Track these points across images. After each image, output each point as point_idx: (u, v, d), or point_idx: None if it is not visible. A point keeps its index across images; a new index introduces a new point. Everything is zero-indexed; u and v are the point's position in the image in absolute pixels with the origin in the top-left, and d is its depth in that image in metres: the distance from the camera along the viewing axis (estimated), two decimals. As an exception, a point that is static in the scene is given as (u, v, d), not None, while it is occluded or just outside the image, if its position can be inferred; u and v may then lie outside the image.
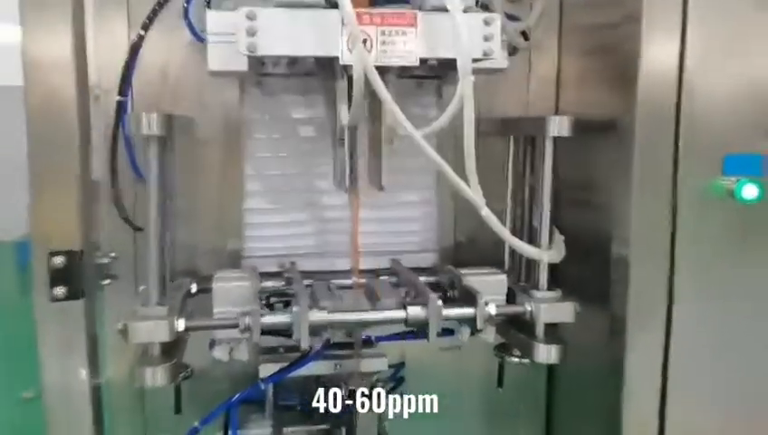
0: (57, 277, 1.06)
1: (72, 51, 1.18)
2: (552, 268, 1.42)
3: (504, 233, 1.27)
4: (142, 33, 1.48)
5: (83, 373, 1.14)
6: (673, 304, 1.32)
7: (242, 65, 1.22)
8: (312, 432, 1.57)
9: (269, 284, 1.47)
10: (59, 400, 1.17)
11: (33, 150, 1.13)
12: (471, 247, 1.67)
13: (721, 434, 1.39)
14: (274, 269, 1.57)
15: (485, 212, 1.22)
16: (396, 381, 1.71)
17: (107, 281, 1.50)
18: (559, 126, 1.35)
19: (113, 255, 1.53)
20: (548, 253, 1.36)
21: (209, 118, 1.55)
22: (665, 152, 1.30)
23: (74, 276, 1.07)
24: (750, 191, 1.27)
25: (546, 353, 1.37)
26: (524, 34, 1.56)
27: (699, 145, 1.30)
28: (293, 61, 1.33)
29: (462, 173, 1.20)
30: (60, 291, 1.07)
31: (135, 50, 1.47)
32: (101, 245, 1.47)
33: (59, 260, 1.06)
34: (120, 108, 1.44)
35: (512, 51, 1.54)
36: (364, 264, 1.53)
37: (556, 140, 1.38)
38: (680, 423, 1.36)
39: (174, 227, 1.41)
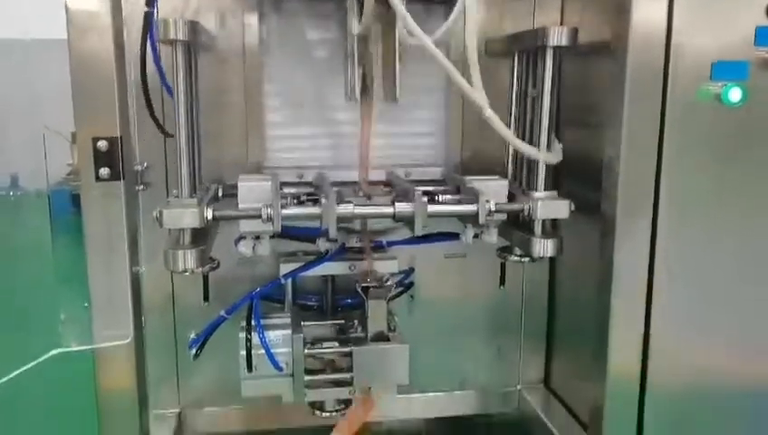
0: (101, 159, 1.20)
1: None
2: (553, 185, 1.54)
3: (506, 133, 1.37)
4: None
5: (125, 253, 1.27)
6: (659, 205, 1.42)
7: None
8: (327, 326, 1.72)
9: (289, 190, 1.61)
10: (104, 284, 1.30)
11: (73, 42, 1.25)
12: (476, 163, 1.79)
13: (703, 324, 1.49)
14: (293, 180, 1.72)
15: (488, 113, 1.32)
16: (405, 285, 1.84)
17: (141, 187, 1.65)
18: (560, 35, 1.44)
19: (146, 165, 1.67)
20: (546, 154, 1.47)
21: (230, 38, 1.67)
22: (656, 68, 1.39)
23: (115, 159, 1.21)
24: (735, 95, 1.37)
25: (542, 247, 1.49)
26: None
27: (688, 56, 1.39)
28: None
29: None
30: (104, 171, 1.20)
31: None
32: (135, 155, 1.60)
33: (102, 144, 1.19)
34: (148, 19, 1.55)
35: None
36: (374, 176, 1.66)
37: (557, 54, 1.48)
38: (664, 317, 1.46)
39: (200, 138, 1.54)
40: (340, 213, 1.38)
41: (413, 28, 1.26)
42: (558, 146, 1.51)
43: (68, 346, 1.25)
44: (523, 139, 1.63)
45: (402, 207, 1.40)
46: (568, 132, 1.66)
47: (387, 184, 1.69)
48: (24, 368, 1.20)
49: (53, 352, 1.22)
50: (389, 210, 1.41)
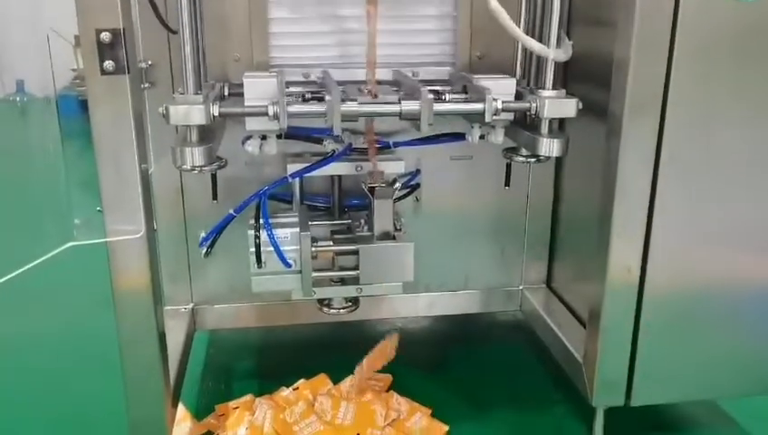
0: (105, 52, 1.19)
1: None
2: (561, 85, 1.52)
3: (513, 28, 1.35)
4: None
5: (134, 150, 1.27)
6: (667, 105, 1.40)
7: None
8: (334, 225, 1.75)
9: (295, 89, 1.60)
10: (113, 179, 1.30)
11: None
12: (486, 62, 1.77)
13: (705, 226, 1.50)
14: (299, 79, 1.71)
15: (494, 5, 1.30)
16: (411, 187, 1.85)
17: (146, 85, 1.64)
18: None
19: (150, 63, 1.66)
20: (554, 50, 1.45)
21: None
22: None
23: (119, 52, 1.19)
24: (750, -10, 1.33)
25: (548, 146, 1.49)
26: None
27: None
28: None
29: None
30: (109, 64, 1.19)
31: None
32: (139, 53, 1.59)
33: (106, 36, 1.18)
34: None
35: None
36: (381, 76, 1.64)
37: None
38: (666, 219, 1.47)
39: (204, 35, 1.52)
40: (345, 111, 1.37)
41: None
42: (568, 42, 1.48)
43: (81, 240, 1.28)
44: (533, 36, 1.61)
45: (408, 105, 1.40)
46: (576, 30, 1.63)
47: (394, 84, 1.68)
48: (40, 260, 1.23)
49: (67, 244, 1.25)
50: (395, 108, 1.40)
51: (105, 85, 1.22)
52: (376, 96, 1.44)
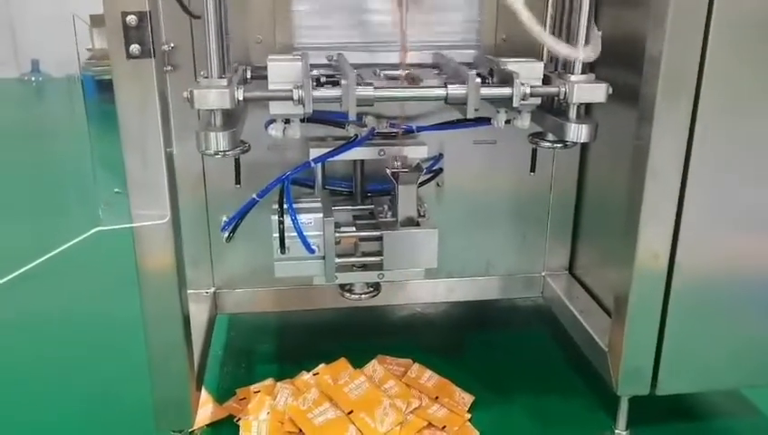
0: (131, 35, 1.17)
1: None
2: (589, 68, 1.49)
3: (535, 27, 1.32)
4: None
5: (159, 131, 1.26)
6: (701, 88, 1.37)
7: None
8: (357, 210, 1.74)
9: (319, 72, 1.58)
10: (139, 164, 1.29)
11: None
12: (511, 46, 1.74)
13: (737, 212, 1.48)
14: (324, 62, 1.69)
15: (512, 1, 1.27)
16: (434, 171, 1.84)
17: (169, 68, 1.63)
18: None
19: (172, 45, 1.65)
20: (583, 50, 1.42)
21: None
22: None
23: (145, 36, 1.18)
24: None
25: (577, 132, 1.46)
26: None
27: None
28: None
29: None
30: (135, 48, 1.18)
31: None
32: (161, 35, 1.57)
33: (132, 19, 1.16)
34: None
35: None
36: (408, 58, 1.62)
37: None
38: (697, 203, 1.44)
39: (227, 19, 1.50)
40: (385, 95, 1.37)
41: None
42: (597, 34, 1.45)
43: (108, 225, 1.27)
44: (561, 25, 1.58)
45: (455, 89, 1.38)
46: (604, 11, 1.60)
47: (419, 66, 1.65)
48: (67, 245, 1.22)
49: (93, 230, 1.25)
50: (441, 92, 1.39)
51: (131, 69, 1.21)
52: (413, 80, 1.42)
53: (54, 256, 1.25)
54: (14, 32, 9.02)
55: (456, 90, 1.38)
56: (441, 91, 1.39)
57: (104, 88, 7.31)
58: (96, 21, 7.97)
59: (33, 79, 9.61)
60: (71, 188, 4.07)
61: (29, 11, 8.78)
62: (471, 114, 1.38)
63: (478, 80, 1.37)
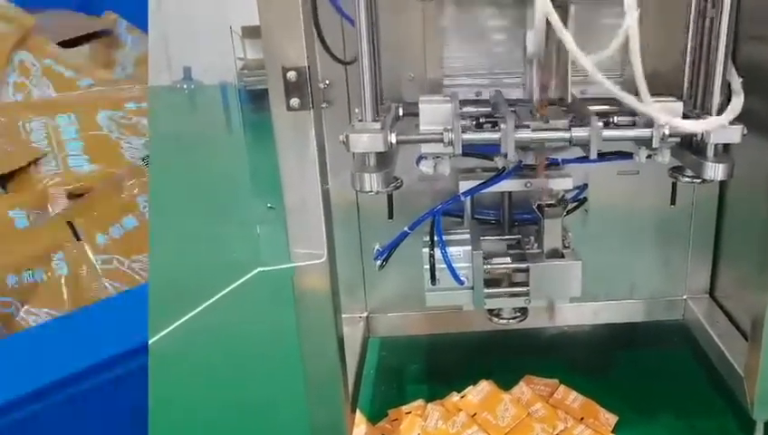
0: (291, 89, 1.26)
1: None
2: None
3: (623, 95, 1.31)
4: None
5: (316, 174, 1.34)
6: None
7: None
8: (503, 240, 1.78)
9: (477, 108, 1.61)
10: (297, 200, 1.38)
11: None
12: (653, 80, 1.67)
13: None
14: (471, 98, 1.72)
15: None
16: (579, 200, 1.85)
17: (324, 105, 1.71)
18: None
19: (327, 82, 1.73)
20: (706, 123, 1.37)
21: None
22: None
23: (304, 89, 1.25)
24: None
25: (714, 171, 1.43)
26: None
27: None
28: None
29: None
30: (295, 101, 1.26)
31: None
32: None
33: (292, 74, 1.24)
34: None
35: None
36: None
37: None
38: None
39: (380, 60, 1.55)
40: (519, 138, 1.38)
41: (582, 61, 1.25)
42: (739, 99, 1.39)
43: (268, 265, 1.37)
44: (698, 72, 1.51)
45: (578, 132, 1.38)
46: (740, 46, 1.53)
47: (561, 101, 1.64)
48: (229, 288, 1.33)
49: (255, 271, 1.35)
50: (566, 135, 1.39)
51: (291, 121, 1.29)
52: (548, 120, 1.43)
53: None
54: (167, 40, 9.39)
55: (579, 132, 1.39)
56: (565, 135, 1.39)
57: (255, 97, 7.62)
58: (248, 32, 8.38)
59: (185, 86, 9.94)
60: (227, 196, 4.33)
61: (181, 19, 9.08)
62: (593, 155, 1.38)
63: (600, 124, 1.37)
